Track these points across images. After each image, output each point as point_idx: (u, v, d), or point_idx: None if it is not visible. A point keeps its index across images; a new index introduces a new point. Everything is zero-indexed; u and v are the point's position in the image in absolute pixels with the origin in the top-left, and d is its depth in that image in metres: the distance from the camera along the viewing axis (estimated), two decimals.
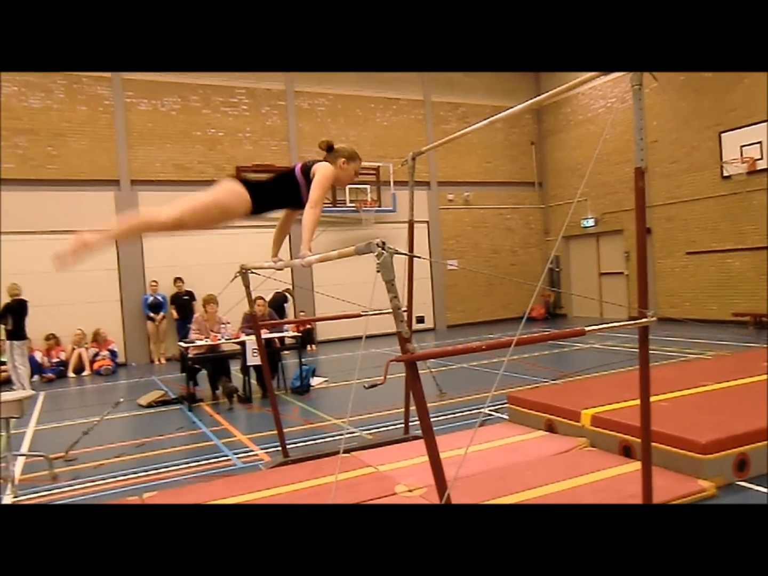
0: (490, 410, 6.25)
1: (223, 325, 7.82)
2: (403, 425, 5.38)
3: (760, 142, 11.47)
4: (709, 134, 12.36)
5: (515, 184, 16.30)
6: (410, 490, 3.95)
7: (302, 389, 7.80)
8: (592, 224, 15.07)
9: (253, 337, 6.54)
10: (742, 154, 11.72)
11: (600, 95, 14.51)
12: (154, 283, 12.14)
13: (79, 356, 11.27)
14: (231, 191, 3.37)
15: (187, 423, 6.65)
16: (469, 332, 13.54)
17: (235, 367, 8.18)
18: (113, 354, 11.57)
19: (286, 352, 8.72)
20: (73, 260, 2.97)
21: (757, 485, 3.86)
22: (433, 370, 7.72)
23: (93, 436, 5.65)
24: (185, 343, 7.66)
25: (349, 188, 13.51)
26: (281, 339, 8.20)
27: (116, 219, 3.26)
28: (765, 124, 11.36)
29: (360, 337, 10.62)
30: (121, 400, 6.36)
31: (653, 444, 3.91)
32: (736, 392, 5.21)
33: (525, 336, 2.65)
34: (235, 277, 4.41)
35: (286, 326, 8.39)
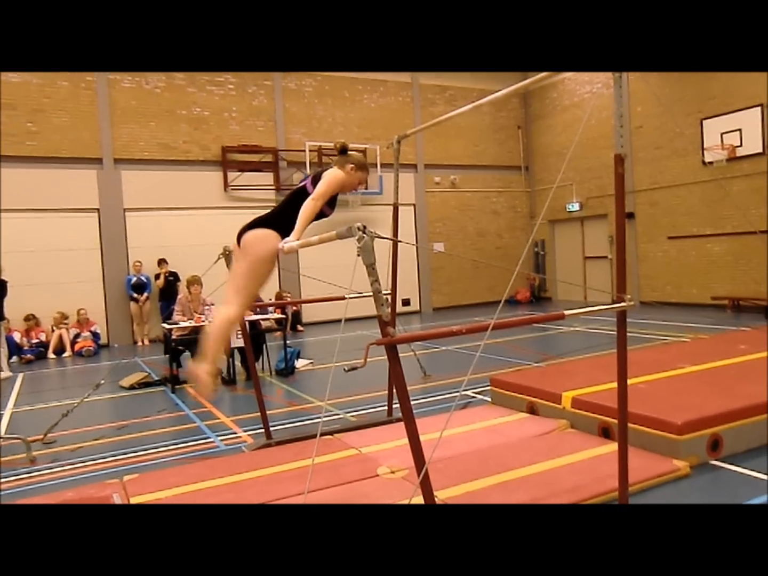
0: (474, 392, 6.32)
1: (207, 307, 7.78)
2: (386, 407, 5.43)
3: (739, 130, 11.59)
4: (691, 121, 12.46)
5: (502, 168, 16.31)
6: (392, 472, 4.00)
7: (287, 371, 7.82)
8: (577, 209, 15.15)
9: None
10: (722, 141, 11.83)
11: (586, 80, 14.52)
12: (137, 264, 12.01)
13: (60, 337, 11.13)
14: (260, 242, 3.42)
15: (170, 405, 6.64)
16: (454, 315, 13.62)
17: None
18: (95, 335, 11.47)
19: (276, 333, 8.71)
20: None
21: (730, 464, 3.97)
22: (418, 352, 7.77)
23: (73, 419, 5.59)
24: (169, 324, 7.63)
25: None
26: (266, 320, 8.21)
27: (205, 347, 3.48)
28: (744, 111, 11.50)
29: (349, 319, 10.63)
30: (102, 381, 6.30)
31: (631, 425, 4.00)
32: (711, 374, 5.32)
33: (502, 320, 2.68)
34: (219, 259, 4.39)
35: (270, 308, 8.38)
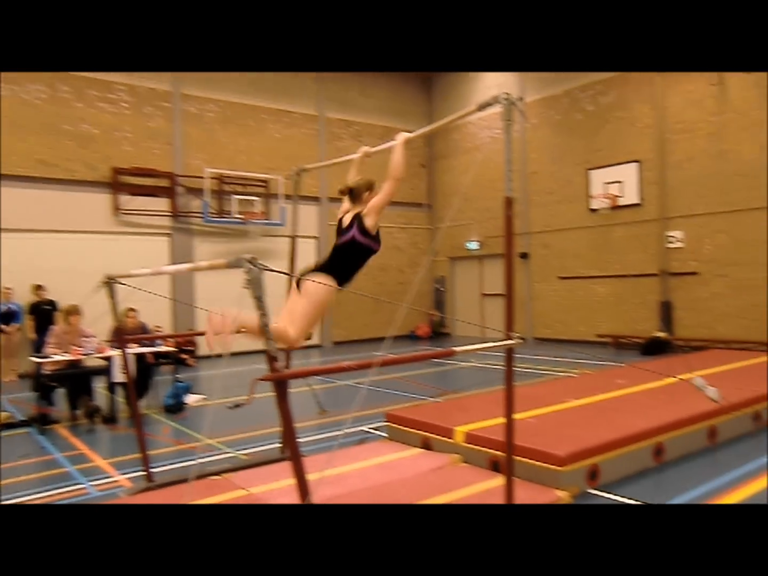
0: (371, 428, 6.28)
1: (86, 339, 7.20)
2: (280, 445, 5.27)
3: (620, 182, 12.58)
4: (579, 170, 13.39)
5: (405, 204, 16.66)
6: None
7: (176, 408, 7.42)
8: (476, 247, 15.73)
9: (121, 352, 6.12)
10: (606, 191, 12.77)
11: (486, 125, 15.25)
12: (7, 290, 10.78)
13: None
14: (321, 288, 3.48)
15: (35, 449, 6.00)
16: (355, 349, 13.60)
17: (101, 385, 7.61)
18: None
19: (166, 366, 8.26)
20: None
21: (606, 492, 4.22)
22: (316, 387, 7.66)
23: None
24: (39, 357, 6.95)
25: (237, 199, 13.20)
26: (155, 354, 7.77)
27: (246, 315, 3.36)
28: (624, 165, 12.54)
29: (250, 352, 10.24)
30: None
31: (519, 458, 4.12)
32: (593, 408, 5.61)
33: (389, 357, 2.69)
34: (100, 287, 4.12)
35: (159, 341, 7.97)
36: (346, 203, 3.88)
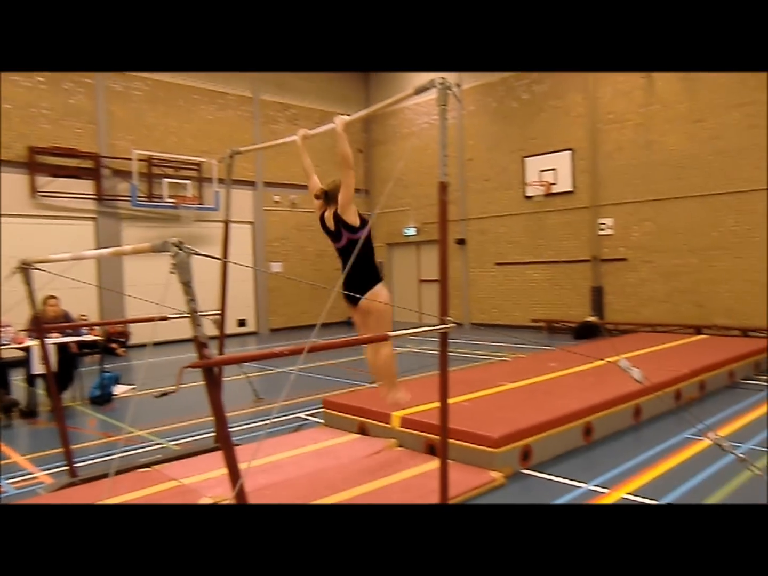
0: (307, 415, 6.24)
1: (1, 328, 6.81)
2: (214, 433, 5.15)
3: (554, 169, 12.88)
4: (515, 158, 13.62)
5: None
6: (216, 503, 3.77)
7: (103, 399, 7.12)
8: (414, 233, 15.80)
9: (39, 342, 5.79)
10: (540, 178, 13.05)
11: (424, 111, 15.27)
12: None
13: None
14: (387, 299, 4.02)
15: None
16: (292, 336, 13.46)
17: (19, 377, 7.18)
18: None
19: (93, 357, 7.88)
20: None
21: (538, 472, 4.34)
22: (251, 375, 7.52)
23: None
24: None
25: (168, 183, 12.74)
26: (79, 344, 7.41)
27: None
28: (558, 153, 12.83)
29: (182, 340, 9.96)
30: None
31: (454, 441, 4.18)
32: (526, 390, 5.74)
33: (320, 342, 2.65)
34: (14, 273, 3.87)
35: (84, 330, 7.62)
36: (318, 202, 4.07)
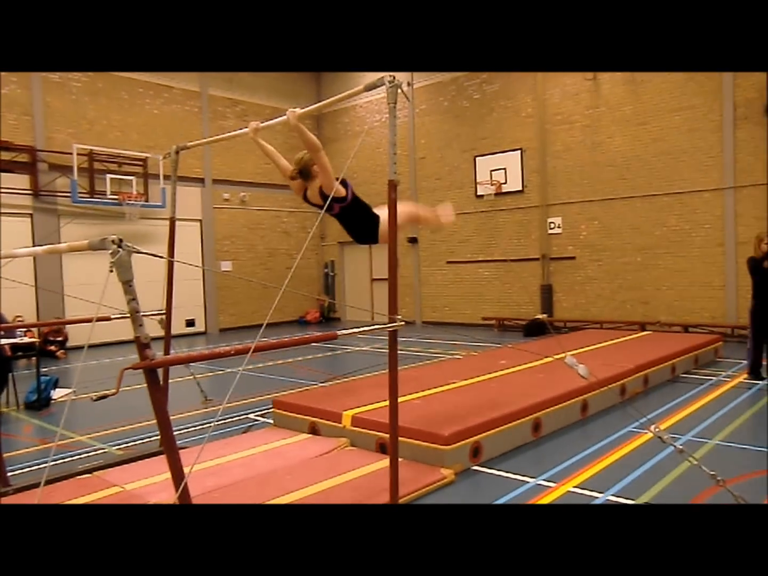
0: (257, 415, 6.13)
1: None
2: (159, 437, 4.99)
3: (504, 169, 13.07)
4: (466, 157, 13.75)
5: None
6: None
7: (40, 403, 6.80)
8: None
9: None
10: (491, 178, 13.22)
11: (376, 109, 15.26)
12: None
13: None
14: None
15: None
16: (242, 336, 13.24)
17: None
18: None
19: (29, 359, 7.53)
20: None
21: (488, 468, 4.38)
22: (200, 375, 7.35)
23: None
24: None
25: (110, 178, 12.30)
26: (14, 346, 7.07)
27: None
28: (508, 153, 13.03)
29: (126, 342, 9.61)
30: None
31: (405, 439, 4.16)
32: (477, 388, 5.79)
33: (272, 341, 2.58)
34: None
35: (19, 331, 7.28)
36: (295, 183, 3.96)
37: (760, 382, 6.70)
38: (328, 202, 3.68)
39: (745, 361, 7.12)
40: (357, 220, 3.98)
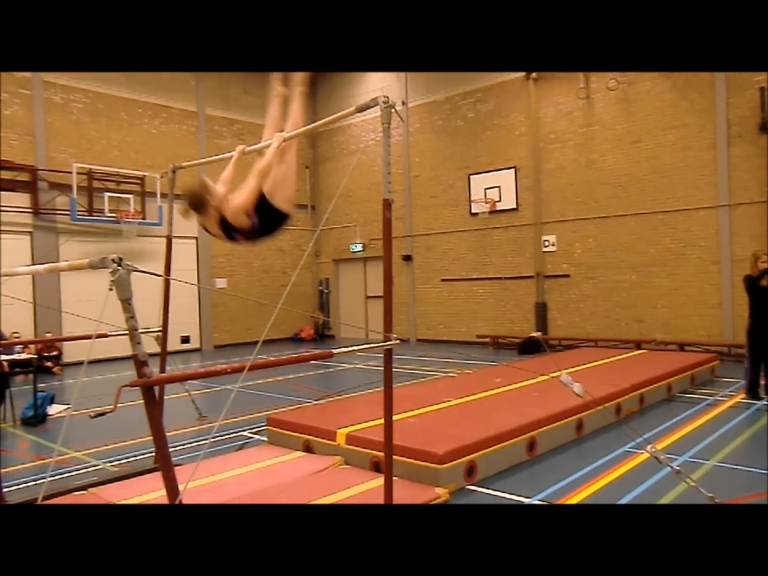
0: (251, 432, 6.12)
1: None
2: (154, 454, 4.98)
3: (499, 187, 13.18)
4: (460, 175, 13.87)
5: None
6: None
7: (36, 419, 6.79)
8: (360, 249, 15.83)
9: None
10: (485, 196, 13.32)
11: (371, 128, 15.39)
12: None
13: None
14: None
15: None
16: (237, 353, 13.22)
17: None
18: None
19: (25, 375, 7.52)
20: None
21: (483, 487, 4.36)
22: (195, 392, 7.33)
23: None
24: None
25: (109, 197, 12.36)
26: (11, 362, 7.07)
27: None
28: (502, 171, 13.14)
29: (123, 358, 9.62)
30: None
31: (400, 458, 4.16)
32: (471, 406, 5.79)
33: (267, 359, 2.59)
34: None
35: (16, 347, 7.28)
36: (197, 218, 3.51)
37: (758, 401, 6.69)
38: (227, 233, 3.45)
39: (742, 381, 7.11)
40: (269, 231, 3.80)
